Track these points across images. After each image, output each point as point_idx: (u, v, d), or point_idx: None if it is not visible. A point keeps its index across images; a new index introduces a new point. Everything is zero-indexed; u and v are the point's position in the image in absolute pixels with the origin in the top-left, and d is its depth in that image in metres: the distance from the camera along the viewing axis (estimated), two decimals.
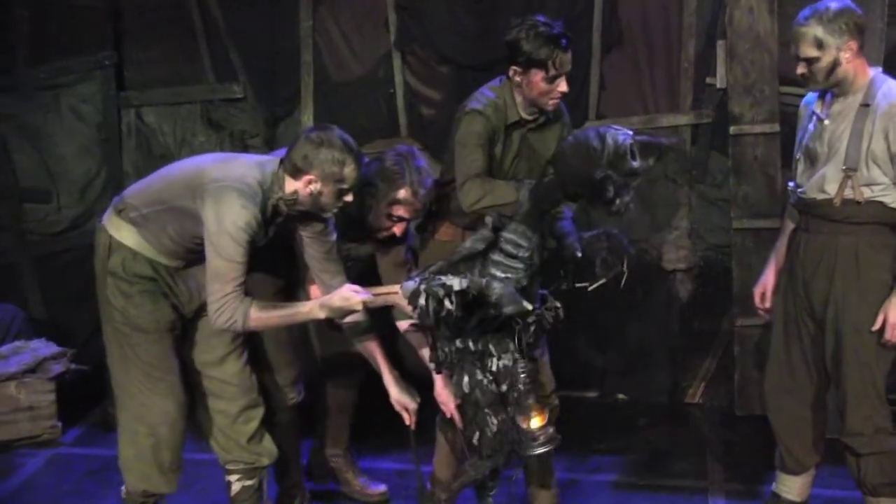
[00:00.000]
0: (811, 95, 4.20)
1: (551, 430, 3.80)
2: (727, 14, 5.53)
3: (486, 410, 3.81)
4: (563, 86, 4.10)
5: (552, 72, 4.05)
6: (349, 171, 3.77)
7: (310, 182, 3.78)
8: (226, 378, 4.13)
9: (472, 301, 3.56)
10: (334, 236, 4.06)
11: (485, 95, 4.19)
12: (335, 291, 3.86)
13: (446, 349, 3.80)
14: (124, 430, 4.06)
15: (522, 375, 3.75)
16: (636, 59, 5.89)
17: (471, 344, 3.76)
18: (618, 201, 3.52)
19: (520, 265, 3.71)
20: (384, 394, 4.22)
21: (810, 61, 3.97)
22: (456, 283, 3.52)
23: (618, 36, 5.87)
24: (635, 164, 3.51)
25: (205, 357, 4.13)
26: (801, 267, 4.20)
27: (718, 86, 5.71)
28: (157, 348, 3.95)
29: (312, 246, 4.04)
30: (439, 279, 3.56)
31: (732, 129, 5.55)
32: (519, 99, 4.17)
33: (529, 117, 4.19)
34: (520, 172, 4.19)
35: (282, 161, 3.85)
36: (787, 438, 4.39)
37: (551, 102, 4.15)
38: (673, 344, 5.97)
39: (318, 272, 4.08)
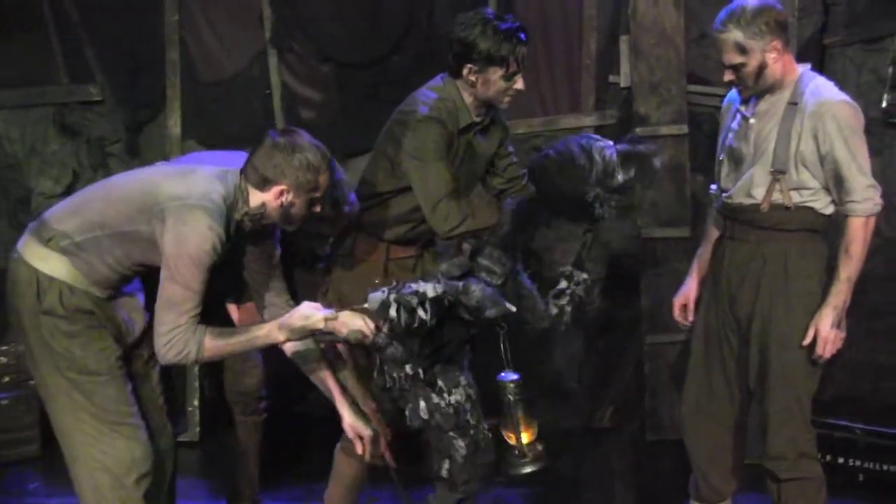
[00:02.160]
0: (735, 92, 4.10)
1: (540, 447, 3.74)
2: (630, 7, 5.47)
3: (451, 434, 3.73)
4: (520, 83, 3.98)
5: (513, 68, 3.94)
6: (324, 178, 3.62)
7: (281, 193, 3.59)
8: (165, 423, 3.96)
9: (448, 308, 3.53)
10: (279, 251, 3.91)
11: (431, 98, 4.02)
12: (293, 310, 3.65)
13: (395, 374, 3.68)
14: (83, 486, 3.72)
15: (511, 387, 3.68)
16: (534, 56, 5.59)
17: (421, 371, 3.67)
18: (604, 214, 3.63)
19: (494, 277, 3.71)
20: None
21: (736, 68, 3.88)
22: (430, 288, 3.48)
23: None
24: (621, 178, 3.58)
25: (148, 392, 3.90)
26: (725, 278, 4.09)
27: (622, 84, 5.65)
28: (111, 390, 3.70)
29: (258, 262, 3.87)
30: (410, 287, 3.50)
31: (638, 131, 5.43)
32: (469, 100, 4.02)
33: (478, 119, 4.06)
34: (461, 178, 4.07)
35: (243, 172, 3.63)
36: (704, 465, 4.26)
37: (507, 101, 4.03)
38: (580, 363, 5.88)
39: (260, 290, 3.91)
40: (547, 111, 5.81)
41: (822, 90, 3.88)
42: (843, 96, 3.87)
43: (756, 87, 3.91)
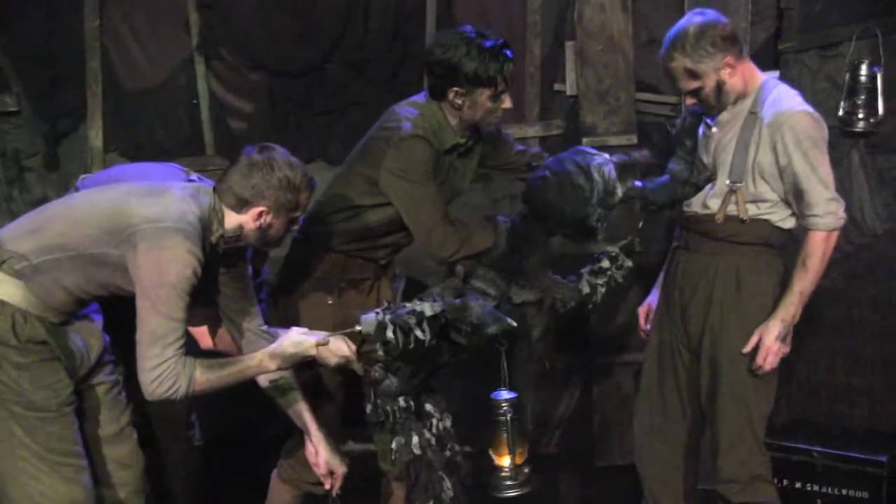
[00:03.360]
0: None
1: (527, 469, 3.75)
2: (576, 12, 5.39)
3: (441, 473, 3.73)
4: (507, 102, 3.93)
5: (500, 87, 3.89)
6: (305, 197, 3.56)
7: (260, 214, 3.51)
8: (121, 459, 3.78)
9: (445, 327, 3.52)
10: (250, 271, 3.82)
11: (414, 115, 3.95)
12: (283, 337, 3.61)
13: (388, 408, 3.63)
14: None
15: (504, 406, 3.70)
16: None
17: (412, 404, 3.67)
18: (602, 230, 3.70)
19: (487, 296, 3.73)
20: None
21: (694, 92, 3.87)
22: (427, 307, 3.45)
23: None
24: (621, 193, 3.63)
25: (96, 432, 3.73)
26: (678, 289, 4.07)
27: (568, 92, 5.56)
28: (57, 427, 3.53)
29: (229, 285, 3.75)
30: (405, 307, 3.47)
31: (585, 142, 5.33)
32: (454, 122, 3.94)
33: (462, 140, 3.98)
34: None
35: (216, 191, 3.53)
36: (657, 488, 4.21)
37: (493, 121, 4.00)
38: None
39: (232, 315, 3.80)
40: None
41: (782, 100, 3.82)
42: (803, 106, 3.81)
43: (721, 104, 3.88)
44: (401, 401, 3.62)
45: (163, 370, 3.34)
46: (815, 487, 4.81)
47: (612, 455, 5.41)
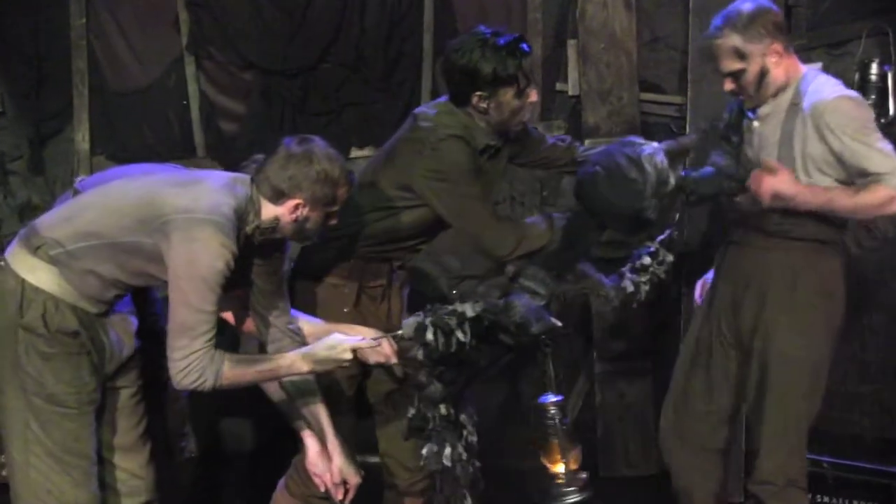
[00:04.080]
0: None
1: (584, 475, 3.70)
2: (578, 9, 5.33)
3: (465, 491, 3.69)
4: (533, 95, 3.86)
5: (523, 84, 3.80)
6: (343, 192, 3.49)
7: (297, 207, 3.45)
8: (134, 470, 3.72)
9: (488, 329, 3.47)
10: (287, 267, 3.79)
11: (445, 116, 3.87)
12: (321, 340, 3.53)
13: (430, 414, 3.58)
14: None
15: (552, 410, 3.66)
16: None
17: (452, 411, 3.63)
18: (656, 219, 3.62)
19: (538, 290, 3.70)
20: None
21: (736, 75, 3.80)
22: (469, 308, 3.40)
23: (452, 36, 5.31)
24: (673, 181, 3.56)
25: (112, 438, 3.68)
26: (730, 287, 4.01)
27: (570, 92, 5.50)
28: (75, 426, 3.51)
29: (262, 278, 3.69)
30: (446, 308, 3.43)
31: (587, 143, 5.20)
32: (482, 125, 3.85)
33: (492, 142, 3.89)
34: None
35: (254, 181, 3.49)
36: (686, 488, 4.17)
37: (522, 120, 3.90)
38: (525, 396, 5.57)
39: (261, 309, 3.74)
40: None
41: (821, 89, 3.79)
42: (841, 91, 3.78)
43: (759, 95, 3.83)
44: (442, 408, 3.58)
45: (190, 361, 3.34)
46: (826, 499, 4.72)
47: (617, 466, 5.33)
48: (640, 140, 3.64)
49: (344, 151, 5.50)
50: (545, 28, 5.51)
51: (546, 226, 3.83)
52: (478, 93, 3.76)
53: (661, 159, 3.53)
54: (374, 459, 4.21)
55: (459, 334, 3.36)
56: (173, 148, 5.64)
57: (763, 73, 3.77)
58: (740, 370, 3.99)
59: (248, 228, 3.44)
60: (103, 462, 3.66)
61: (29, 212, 5.49)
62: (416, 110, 3.94)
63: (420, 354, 3.43)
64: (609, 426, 5.36)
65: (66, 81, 5.66)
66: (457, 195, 3.80)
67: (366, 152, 5.50)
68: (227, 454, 5.30)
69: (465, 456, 3.67)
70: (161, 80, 5.68)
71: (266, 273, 3.67)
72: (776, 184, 3.68)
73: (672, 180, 3.53)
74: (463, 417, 3.70)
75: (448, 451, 3.62)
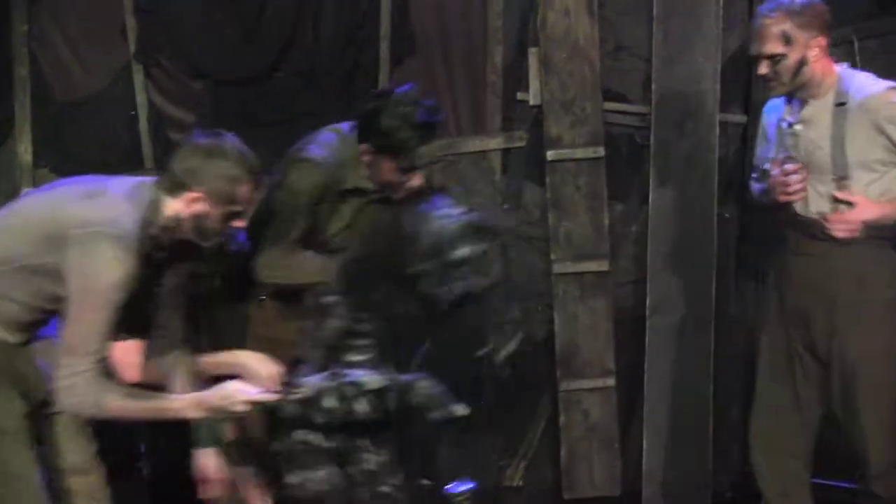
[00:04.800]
0: (774, 101, 4.12)
1: None
2: (539, 17, 5.23)
3: None
4: (416, 180, 3.89)
5: (406, 164, 3.85)
6: (245, 190, 3.42)
7: (194, 200, 3.40)
8: (88, 490, 3.68)
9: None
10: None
11: (326, 143, 3.99)
12: (218, 386, 3.47)
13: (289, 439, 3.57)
14: None
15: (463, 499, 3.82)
16: (432, 71, 5.50)
17: (323, 440, 3.58)
18: (444, 293, 3.49)
19: (365, 342, 3.61)
20: None
21: (775, 59, 3.87)
22: (372, 380, 3.38)
23: (410, 44, 5.49)
24: (462, 253, 3.48)
25: (60, 463, 3.64)
26: (795, 297, 4.05)
27: (532, 102, 5.38)
28: (14, 450, 3.47)
29: (174, 293, 3.71)
30: (348, 375, 3.41)
31: (550, 154, 5.26)
32: (363, 170, 3.92)
33: (369, 187, 3.92)
34: (353, 244, 4.03)
35: (157, 181, 3.47)
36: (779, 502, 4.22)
37: (401, 195, 3.90)
38: (485, 415, 5.32)
39: (164, 322, 3.72)
40: (447, 132, 5.45)
41: (865, 84, 3.90)
42: (887, 83, 3.89)
43: (791, 85, 3.91)
44: (304, 435, 3.55)
45: (73, 381, 3.26)
46: None
47: (581, 487, 5.26)
48: (448, 201, 3.63)
49: None
50: (506, 36, 5.40)
51: (320, 266, 3.86)
52: (366, 144, 3.80)
53: (450, 223, 3.48)
54: None
55: (358, 405, 3.31)
56: (121, 160, 5.42)
57: (801, 64, 3.83)
58: (822, 376, 4.03)
59: (154, 230, 3.37)
60: (60, 484, 3.61)
61: None
62: (320, 129, 4.01)
63: (318, 418, 3.38)
64: (573, 447, 5.28)
65: (7, 91, 5.47)
66: (280, 207, 3.92)
67: None
68: (185, 475, 5.21)
69: (357, 477, 3.60)
70: (108, 89, 5.49)
71: (179, 287, 3.66)
72: (861, 215, 3.81)
73: (458, 254, 3.47)
74: (361, 443, 3.59)
75: (322, 473, 3.56)
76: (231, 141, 3.46)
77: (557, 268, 5.27)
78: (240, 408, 3.43)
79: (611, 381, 5.17)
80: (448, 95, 5.51)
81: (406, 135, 3.75)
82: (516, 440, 5.56)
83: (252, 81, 5.36)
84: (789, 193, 3.88)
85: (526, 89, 5.38)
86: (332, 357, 3.61)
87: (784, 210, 3.98)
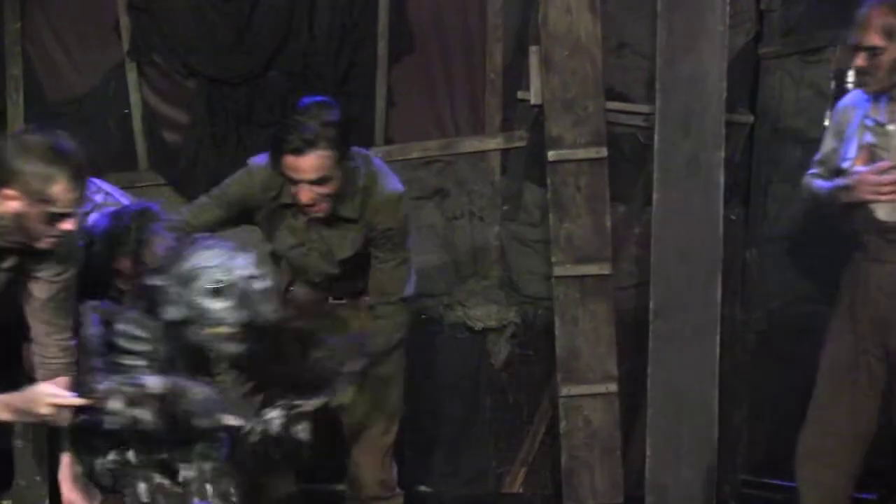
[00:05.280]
0: (854, 98, 4.10)
1: None
2: (540, 14, 5.11)
3: None
4: (304, 196, 3.82)
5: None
6: (61, 191, 3.30)
7: (9, 198, 3.33)
8: None
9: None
10: (68, 274, 3.61)
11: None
12: (28, 389, 3.45)
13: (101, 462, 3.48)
14: None
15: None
16: (430, 70, 5.51)
17: (132, 456, 3.47)
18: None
19: (141, 362, 3.44)
20: None
21: (874, 52, 3.86)
22: (152, 382, 3.26)
23: (408, 42, 5.46)
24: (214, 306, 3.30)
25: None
26: (872, 305, 4.01)
27: (532, 101, 5.31)
28: None
29: (37, 288, 3.60)
30: (134, 378, 3.30)
31: (550, 155, 5.13)
32: None
33: (287, 202, 3.95)
34: (309, 266, 4.05)
35: None
36: None
37: (290, 201, 3.92)
38: (485, 420, 5.54)
39: (38, 323, 3.65)
40: (445, 132, 5.50)
41: None
42: None
43: (883, 81, 3.89)
44: (113, 454, 3.47)
45: None
46: None
47: (581, 495, 5.16)
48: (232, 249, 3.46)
49: None
50: (506, 33, 5.38)
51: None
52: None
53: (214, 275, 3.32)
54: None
55: (139, 411, 3.25)
56: (114, 160, 5.43)
57: None
58: (887, 385, 4.01)
59: None
60: None
61: None
62: None
63: (106, 423, 3.31)
64: (574, 453, 5.18)
65: (1, 89, 5.44)
66: (215, 190, 4.04)
67: None
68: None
69: (168, 483, 3.47)
70: (100, 88, 5.47)
71: (41, 283, 3.57)
72: None
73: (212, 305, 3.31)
74: (172, 455, 3.48)
75: (143, 486, 3.46)
76: (54, 139, 3.36)
77: (558, 270, 5.17)
78: (44, 410, 3.38)
79: (613, 387, 5.06)
80: (446, 94, 5.51)
81: (279, 153, 3.73)
82: (515, 446, 5.52)
83: (245, 80, 5.31)
84: (881, 193, 3.81)
85: (526, 88, 5.34)
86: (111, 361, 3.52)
87: (860, 214, 3.91)
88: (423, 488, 5.53)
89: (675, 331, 4.94)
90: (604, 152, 5.13)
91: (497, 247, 5.53)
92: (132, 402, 3.25)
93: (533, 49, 5.25)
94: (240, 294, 3.28)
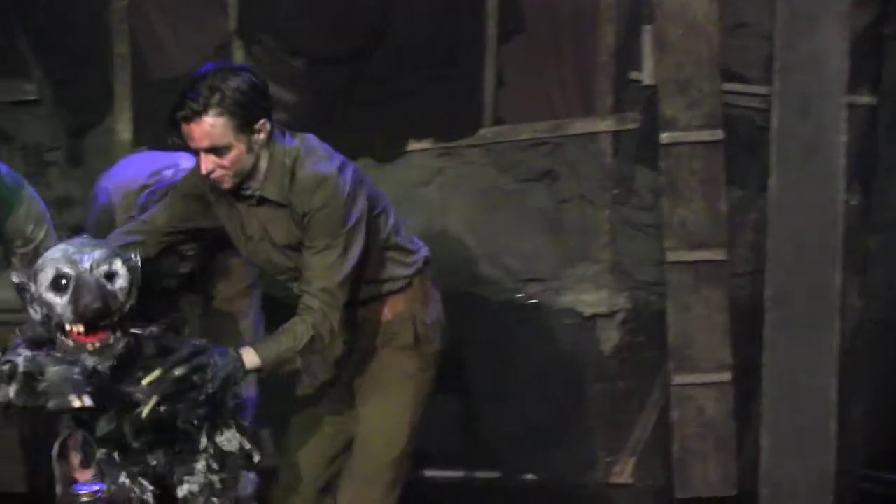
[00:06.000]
0: None
1: None
2: None
3: None
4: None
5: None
6: None
7: None
8: None
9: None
10: None
11: None
12: None
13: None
14: None
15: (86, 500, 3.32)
16: (541, 50, 5.42)
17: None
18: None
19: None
20: None
21: None
22: (22, 360, 3.11)
23: (518, 22, 5.39)
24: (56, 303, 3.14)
25: None
26: None
27: (645, 82, 5.24)
28: None
29: None
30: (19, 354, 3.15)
31: (664, 137, 5.08)
32: None
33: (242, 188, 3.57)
34: (265, 262, 3.66)
35: None
36: None
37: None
38: (594, 409, 5.47)
39: None
40: (556, 114, 5.41)
41: None
42: None
43: None
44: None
45: None
46: None
47: (693, 486, 5.09)
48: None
49: (399, 143, 5.31)
50: (619, 13, 5.29)
51: None
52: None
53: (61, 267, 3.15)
54: None
55: (10, 390, 3.09)
56: None
57: None
58: None
59: None
60: None
61: (67, 205, 5.29)
62: None
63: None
64: (686, 443, 5.12)
65: (107, 68, 5.45)
66: None
67: (424, 145, 5.30)
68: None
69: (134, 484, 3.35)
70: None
71: None
72: None
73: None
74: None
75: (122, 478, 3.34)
76: None
77: (671, 256, 5.12)
78: None
79: (727, 376, 4.97)
80: (556, 75, 5.43)
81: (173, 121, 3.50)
82: (625, 435, 5.48)
83: (347, 58, 5.27)
84: None
85: (639, 69, 5.25)
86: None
87: None
88: (528, 476, 5.53)
89: (791, 319, 4.86)
90: (719, 135, 5.06)
91: (607, 231, 5.46)
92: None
93: (646, 28, 5.18)
94: (81, 286, 3.11)
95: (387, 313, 3.63)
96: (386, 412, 3.60)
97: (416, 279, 3.65)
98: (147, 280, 3.43)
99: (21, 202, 3.71)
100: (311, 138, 3.59)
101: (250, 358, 3.25)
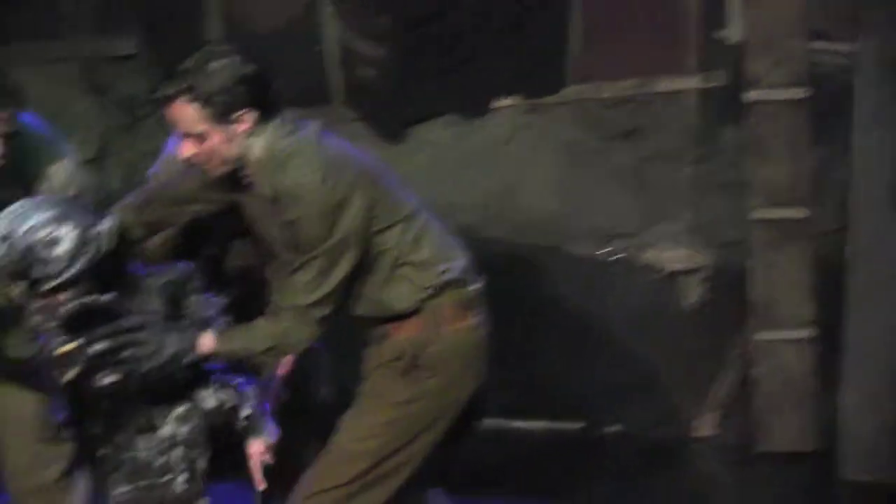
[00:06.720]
0: None
1: None
2: None
3: None
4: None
5: None
6: None
7: None
8: None
9: None
10: None
11: None
12: None
13: None
14: None
15: None
16: (626, 7, 5.42)
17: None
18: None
19: None
20: None
21: None
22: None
23: None
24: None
25: None
26: None
27: (731, 40, 5.23)
28: None
29: None
30: None
31: (749, 96, 5.08)
32: None
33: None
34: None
35: None
36: None
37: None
38: (676, 364, 5.46)
39: None
40: (640, 71, 5.39)
41: None
42: None
43: None
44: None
45: None
46: None
47: (774, 441, 5.10)
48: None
49: (485, 100, 5.35)
50: None
51: None
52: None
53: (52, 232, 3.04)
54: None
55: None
56: (309, 94, 5.37)
57: None
58: None
59: None
60: None
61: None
62: None
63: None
64: (767, 399, 5.13)
65: (200, 23, 5.57)
66: None
67: (509, 102, 5.34)
68: None
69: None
70: (294, 22, 5.55)
71: None
72: None
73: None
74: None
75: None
76: None
77: (756, 213, 5.12)
78: None
79: (810, 333, 4.98)
80: (639, 32, 5.39)
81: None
82: (706, 390, 5.46)
83: (433, 17, 5.32)
84: None
85: (725, 27, 5.24)
86: None
87: None
88: (614, 428, 5.54)
89: (877, 277, 4.80)
90: (804, 93, 5.04)
91: (691, 189, 5.45)
92: None
93: None
94: (20, 247, 3.02)
95: (386, 334, 3.21)
96: (358, 417, 3.16)
97: (429, 303, 3.15)
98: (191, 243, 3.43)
99: (52, 159, 3.53)
100: (313, 135, 3.18)
101: (206, 343, 3.09)
